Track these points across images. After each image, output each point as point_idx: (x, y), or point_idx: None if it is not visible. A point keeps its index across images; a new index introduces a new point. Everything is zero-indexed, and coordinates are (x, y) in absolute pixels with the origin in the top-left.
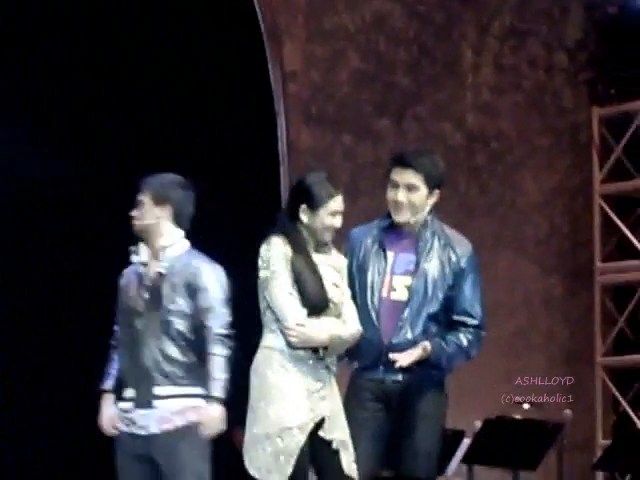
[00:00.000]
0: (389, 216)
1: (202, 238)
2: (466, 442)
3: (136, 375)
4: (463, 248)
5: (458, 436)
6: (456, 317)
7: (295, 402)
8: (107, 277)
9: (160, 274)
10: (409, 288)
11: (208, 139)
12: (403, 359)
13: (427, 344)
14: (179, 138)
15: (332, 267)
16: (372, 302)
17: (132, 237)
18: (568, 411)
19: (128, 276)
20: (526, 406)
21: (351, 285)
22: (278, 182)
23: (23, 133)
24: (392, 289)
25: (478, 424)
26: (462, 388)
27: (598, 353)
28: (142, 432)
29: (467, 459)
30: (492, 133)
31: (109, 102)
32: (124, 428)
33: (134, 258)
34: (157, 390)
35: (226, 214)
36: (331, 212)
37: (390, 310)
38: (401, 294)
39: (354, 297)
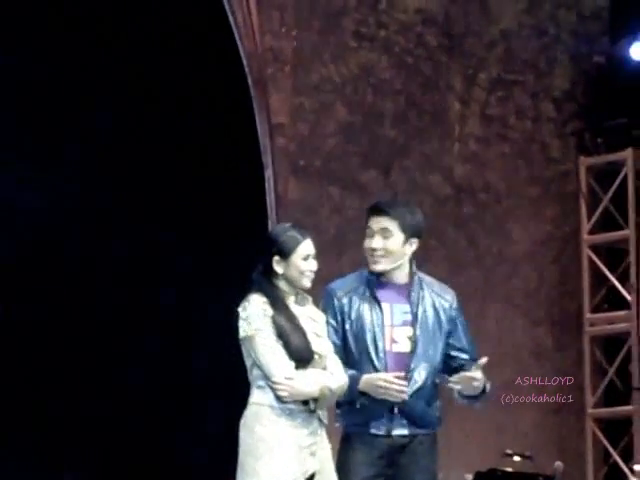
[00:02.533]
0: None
1: (189, 291)
2: None
3: None
4: (450, 294)
5: None
6: (456, 361)
7: (285, 457)
8: None
9: None
10: (411, 339)
11: (196, 191)
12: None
13: (478, 371)
14: (165, 192)
15: (311, 319)
16: (377, 356)
17: None
18: (559, 463)
19: None
20: (517, 459)
21: (343, 340)
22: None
23: None
24: (393, 341)
25: (469, 478)
26: (451, 441)
27: (588, 405)
28: None
29: None
30: (480, 184)
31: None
32: None
33: None
34: None
35: (215, 268)
36: (303, 256)
37: (395, 363)
38: (404, 346)
39: (351, 352)
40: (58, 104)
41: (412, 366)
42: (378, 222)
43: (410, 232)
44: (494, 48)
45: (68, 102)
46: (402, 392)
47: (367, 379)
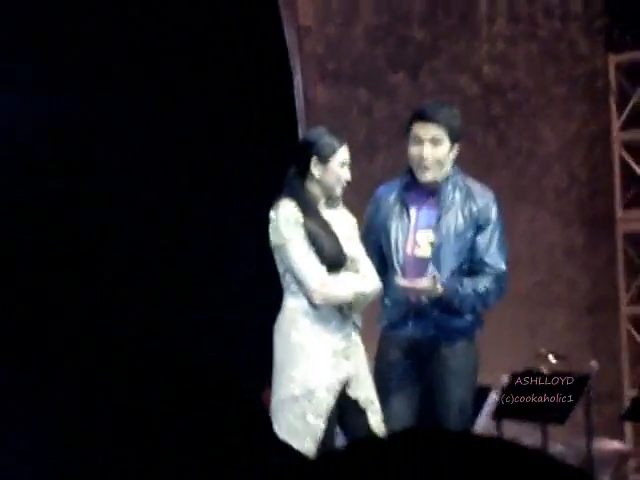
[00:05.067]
0: (409, 172)
1: (222, 198)
2: (493, 397)
3: None
4: (484, 198)
5: (484, 392)
6: (475, 265)
7: (320, 362)
8: None
9: None
10: (433, 244)
11: (224, 100)
12: (408, 283)
13: (437, 275)
14: (195, 100)
15: (342, 222)
16: (397, 260)
17: None
18: (594, 362)
19: None
20: (551, 358)
21: (375, 242)
22: (297, 140)
23: None
24: (416, 246)
25: (505, 378)
26: (485, 343)
27: (622, 303)
28: None
29: (496, 414)
30: (508, 83)
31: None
32: None
33: None
34: None
35: (244, 174)
36: (341, 162)
37: (415, 267)
38: (425, 250)
39: (379, 255)
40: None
41: (429, 271)
42: (426, 129)
43: (455, 138)
44: None
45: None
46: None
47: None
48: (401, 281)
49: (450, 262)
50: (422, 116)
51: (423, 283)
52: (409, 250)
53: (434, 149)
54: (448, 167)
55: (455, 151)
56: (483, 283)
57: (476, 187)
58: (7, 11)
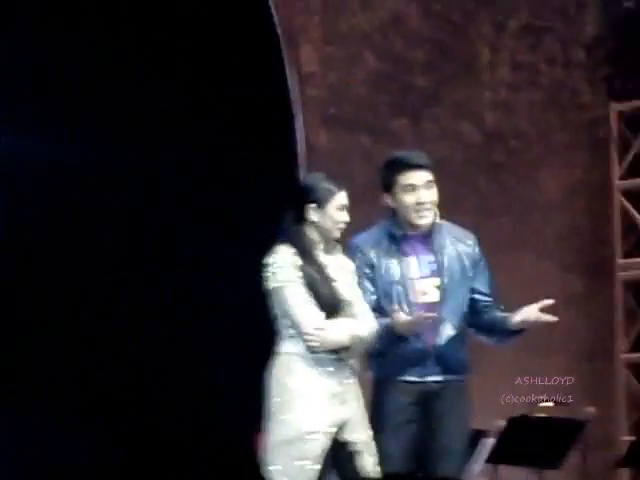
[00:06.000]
0: (391, 222)
1: (221, 239)
2: (489, 442)
3: None
4: (471, 238)
5: (478, 436)
6: (478, 303)
7: (316, 406)
8: None
9: None
10: (439, 288)
11: (226, 142)
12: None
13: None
14: (196, 142)
15: (340, 267)
16: (409, 309)
17: None
18: (591, 408)
19: None
20: (548, 404)
21: (376, 293)
22: (296, 184)
23: None
24: (422, 293)
25: (501, 423)
26: (481, 388)
27: (620, 350)
28: None
29: (492, 459)
30: (510, 131)
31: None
32: None
33: None
34: None
35: (244, 217)
36: (339, 207)
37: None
38: (432, 296)
39: (382, 306)
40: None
41: (443, 315)
42: (420, 176)
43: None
44: None
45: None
46: (433, 318)
47: (399, 320)
48: (416, 314)
49: (460, 304)
50: (412, 164)
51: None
52: (417, 298)
53: (430, 193)
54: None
55: None
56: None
57: (457, 229)
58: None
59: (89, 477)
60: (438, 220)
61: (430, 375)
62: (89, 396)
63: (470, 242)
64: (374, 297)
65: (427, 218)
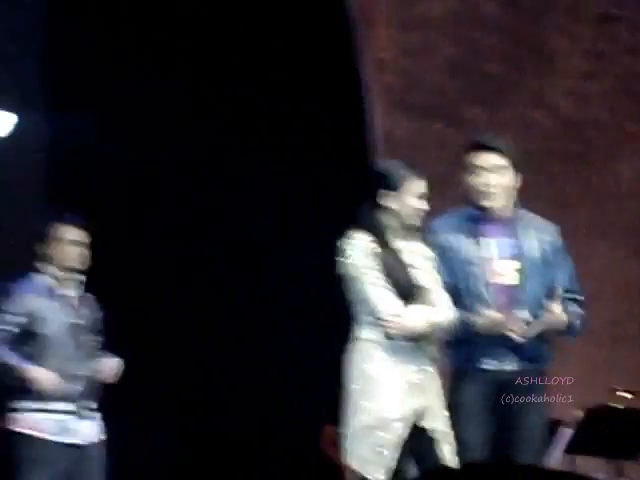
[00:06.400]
0: (471, 205)
1: (295, 230)
2: (567, 432)
3: None
4: (552, 229)
5: (555, 426)
6: (566, 293)
7: (396, 394)
8: None
9: None
10: (519, 271)
11: (299, 131)
12: (503, 317)
13: (555, 305)
14: (270, 133)
15: (417, 253)
16: (486, 289)
17: None
18: None
19: None
20: (626, 395)
21: (450, 276)
22: (369, 171)
23: None
24: (500, 274)
25: (579, 414)
26: (558, 378)
27: None
28: None
29: (570, 449)
30: (585, 120)
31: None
32: None
33: None
34: None
35: (319, 207)
36: (418, 195)
37: (501, 295)
38: (509, 278)
39: (458, 288)
40: None
41: (522, 299)
42: (489, 159)
43: (518, 167)
44: None
45: None
46: (521, 334)
47: (486, 317)
48: (493, 314)
49: (536, 290)
50: (484, 146)
51: (516, 322)
52: (495, 279)
53: (499, 177)
54: (514, 196)
55: (518, 182)
56: (578, 310)
57: (538, 219)
58: None
59: (159, 477)
60: (516, 208)
61: (507, 364)
62: (159, 396)
63: (553, 232)
64: (451, 281)
65: (492, 201)
